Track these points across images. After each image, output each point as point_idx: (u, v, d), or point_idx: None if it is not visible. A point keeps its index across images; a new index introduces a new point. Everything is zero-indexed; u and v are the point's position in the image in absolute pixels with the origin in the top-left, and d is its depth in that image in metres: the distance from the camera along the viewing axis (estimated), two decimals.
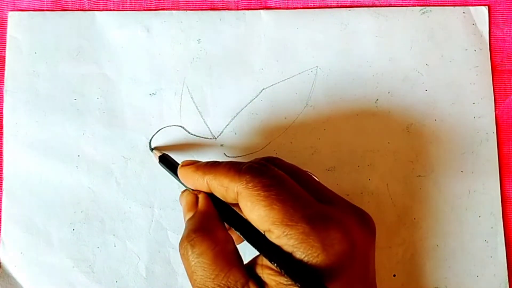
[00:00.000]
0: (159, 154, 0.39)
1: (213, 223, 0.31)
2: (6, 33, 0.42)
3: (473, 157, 0.42)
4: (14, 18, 0.42)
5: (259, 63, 0.42)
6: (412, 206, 0.41)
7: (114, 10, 0.42)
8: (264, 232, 0.29)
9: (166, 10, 0.43)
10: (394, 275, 0.41)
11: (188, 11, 0.42)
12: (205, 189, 0.32)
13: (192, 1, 0.43)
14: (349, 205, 0.31)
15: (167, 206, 0.41)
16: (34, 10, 0.42)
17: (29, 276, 0.40)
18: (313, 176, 0.34)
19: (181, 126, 0.42)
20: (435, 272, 0.41)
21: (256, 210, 0.29)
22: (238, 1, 0.43)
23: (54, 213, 0.41)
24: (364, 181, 0.41)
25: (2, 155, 0.41)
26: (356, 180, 0.41)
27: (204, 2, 0.43)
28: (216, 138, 0.42)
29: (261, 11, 0.42)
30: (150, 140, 0.41)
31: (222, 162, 0.32)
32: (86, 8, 0.42)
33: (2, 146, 0.41)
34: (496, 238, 0.41)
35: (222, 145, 0.41)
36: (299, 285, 0.27)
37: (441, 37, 0.42)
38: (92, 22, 0.42)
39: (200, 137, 0.42)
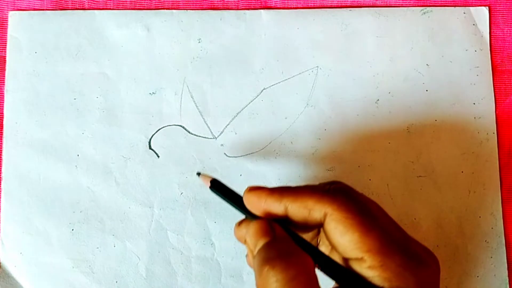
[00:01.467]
0: (209, 178, 0.35)
1: (297, 248, 0.29)
2: (6, 32, 0.42)
3: (473, 157, 0.42)
4: (14, 18, 0.42)
5: (259, 63, 0.42)
6: (412, 206, 0.41)
7: (114, 9, 0.42)
8: (351, 259, 0.28)
9: (166, 9, 0.42)
10: None
11: (188, 11, 0.42)
12: (280, 213, 0.30)
13: (192, 1, 0.43)
14: (418, 243, 0.30)
15: (167, 206, 0.41)
16: (34, 9, 0.42)
17: (29, 276, 0.40)
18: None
19: (181, 126, 0.42)
20: None
21: (350, 235, 0.27)
22: (238, 1, 0.43)
23: (53, 213, 0.41)
24: (364, 181, 0.41)
25: (1, 154, 0.41)
26: (357, 180, 0.41)
27: (204, 1, 0.43)
28: (216, 138, 0.41)
29: (262, 10, 0.42)
30: (150, 140, 0.41)
31: (297, 186, 0.31)
32: (86, 7, 0.42)
33: (1, 145, 0.41)
34: (496, 238, 0.41)
35: (222, 144, 0.41)
36: None
37: (441, 38, 0.42)
38: (92, 21, 0.42)
39: (200, 136, 0.41)
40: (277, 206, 0.30)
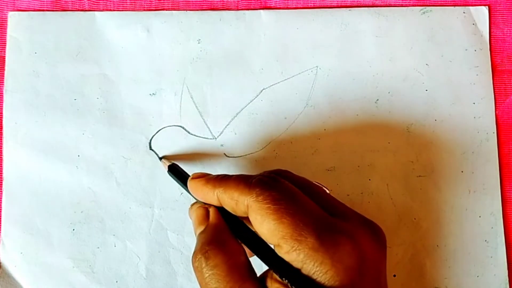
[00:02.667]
0: (168, 163, 0.39)
1: (225, 236, 0.31)
2: (6, 33, 0.42)
3: (473, 157, 0.42)
4: (14, 18, 0.42)
5: (259, 63, 0.42)
6: (412, 206, 0.41)
7: (114, 10, 0.42)
8: (273, 246, 0.29)
9: (166, 10, 0.42)
10: (394, 275, 0.41)
11: (188, 11, 0.42)
12: (215, 203, 0.32)
13: (192, 1, 0.43)
14: (360, 218, 0.31)
15: (167, 206, 0.41)
16: (34, 10, 0.42)
17: (29, 276, 0.40)
18: (325, 189, 0.33)
19: (181, 126, 0.42)
20: (435, 272, 0.41)
21: (266, 224, 0.28)
22: (238, 1, 0.43)
23: (54, 213, 0.41)
24: (364, 181, 0.41)
25: (2, 155, 0.41)
26: (356, 180, 0.41)
27: (204, 2, 0.43)
28: (216, 138, 0.42)
29: (261, 11, 0.42)
30: (150, 140, 0.41)
31: (233, 175, 0.32)
32: (86, 8, 0.42)
33: (2, 146, 0.41)
34: (496, 238, 0.41)
35: (222, 145, 0.41)
36: None
37: (441, 37, 0.42)
38: (92, 22, 0.42)
39: (200, 137, 0.42)
40: (211, 196, 0.32)
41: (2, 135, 0.41)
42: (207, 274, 0.29)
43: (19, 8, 0.42)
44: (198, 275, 0.30)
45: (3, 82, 0.41)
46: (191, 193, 0.34)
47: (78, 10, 0.42)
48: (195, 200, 0.35)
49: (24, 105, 0.41)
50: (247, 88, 0.42)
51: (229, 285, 0.28)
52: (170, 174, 0.38)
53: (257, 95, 0.42)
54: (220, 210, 0.32)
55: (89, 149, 0.41)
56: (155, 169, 0.41)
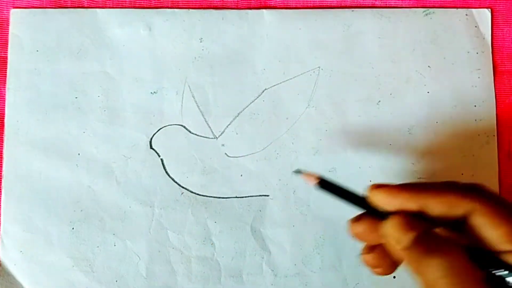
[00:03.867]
0: (315, 178, 0.34)
1: (445, 240, 0.29)
2: (7, 30, 0.42)
3: (473, 159, 0.42)
4: (16, 16, 0.42)
5: (261, 63, 0.42)
6: None
7: (113, 7, 0.42)
8: (501, 253, 0.28)
9: (168, 8, 0.42)
10: (394, 277, 0.41)
11: (190, 10, 0.42)
12: (414, 208, 0.30)
13: (192, 0, 0.42)
14: None
15: (167, 205, 0.41)
16: (34, 7, 0.42)
17: (29, 274, 0.40)
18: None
19: (182, 125, 0.42)
20: None
21: (501, 228, 0.28)
22: (238, 1, 0.43)
23: (53, 211, 0.41)
24: (365, 183, 0.41)
25: (2, 153, 0.41)
26: (357, 181, 0.41)
27: (204, 0, 0.43)
28: (217, 138, 0.41)
29: (264, 10, 0.42)
30: (151, 139, 0.41)
31: (427, 182, 0.32)
32: (85, 6, 0.42)
33: (2, 143, 0.41)
34: None
35: (223, 144, 0.41)
36: None
37: (443, 39, 0.42)
38: (94, 20, 0.42)
39: (201, 136, 0.41)
40: (412, 202, 0.30)
41: (3, 133, 0.41)
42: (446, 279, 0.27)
43: (19, 6, 0.42)
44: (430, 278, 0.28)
45: (4, 80, 0.41)
46: (379, 202, 0.32)
47: (77, 8, 0.42)
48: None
49: (26, 103, 0.41)
50: (249, 88, 0.42)
51: None
52: (319, 189, 0.33)
53: (259, 95, 0.42)
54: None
55: (89, 147, 0.41)
56: (156, 168, 0.41)
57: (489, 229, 0.28)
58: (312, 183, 0.34)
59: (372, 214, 0.32)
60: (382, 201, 0.32)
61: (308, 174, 0.34)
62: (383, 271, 0.33)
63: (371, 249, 0.33)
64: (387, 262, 0.32)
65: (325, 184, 0.33)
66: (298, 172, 0.35)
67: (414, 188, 0.31)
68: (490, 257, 0.29)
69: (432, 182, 0.31)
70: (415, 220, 0.30)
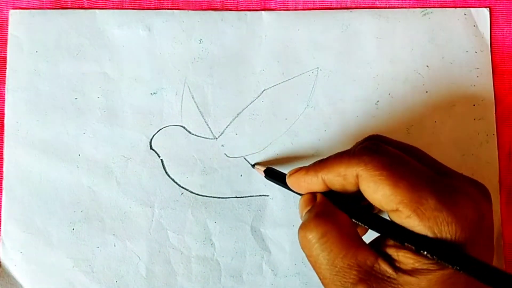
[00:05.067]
0: (263, 168, 0.39)
1: (332, 209, 0.31)
2: (7, 31, 0.42)
3: (473, 159, 0.42)
4: (15, 17, 0.42)
5: (260, 63, 0.42)
6: None
7: (113, 8, 0.42)
8: (389, 212, 0.29)
9: (167, 9, 0.42)
10: None
11: (189, 11, 0.42)
12: (320, 188, 0.32)
13: (192, 1, 0.43)
14: (466, 177, 0.31)
15: (167, 206, 0.41)
16: (33, 8, 0.42)
17: (29, 275, 0.40)
18: (423, 151, 0.33)
19: (182, 126, 0.42)
20: None
21: (381, 190, 0.28)
22: (237, 2, 0.43)
23: (54, 212, 0.41)
24: None
25: (2, 153, 0.41)
26: None
27: (204, 2, 0.43)
28: (217, 138, 0.42)
29: (263, 12, 0.42)
30: (151, 140, 0.41)
31: (328, 156, 0.32)
32: (85, 7, 0.42)
33: (2, 144, 0.41)
34: (495, 239, 0.41)
35: (222, 145, 0.41)
36: (446, 263, 0.26)
37: (442, 39, 0.43)
38: (93, 20, 0.42)
39: (201, 137, 0.42)
40: (315, 182, 0.32)
41: (3, 134, 0.41)
42: (317, 245, 0.29)
43: (18, 7, 0.42)
44: (307, 249, 0.30)
45: (4, 81, 0.41)
46: (293, 188, 0.34)
47: (77, 8, 0.42)
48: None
49: (25, 104, 0.41)
50: (248, 89, 0.42)
51: (342, 252, 0.28)
52: (268, 178, 0.39)
53: (258, 96, 0.42)
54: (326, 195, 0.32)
55: (89, 148, 0.41)
56: (156, 169, 0.41)
57: (372, 193, 0.29)
58: (261, 174, 0.39)
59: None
60: (295, 186, 0.34)
61: (259, 167, 0.40)
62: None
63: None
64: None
65: (271, 173, 0.38)
66: (252, 166, 0.41)
67: (313, 168, 0.32)
68: (376, 218, 0.30)
69: (328, 157, 0.32)
70: (310, 199, 0.32)
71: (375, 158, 0.29)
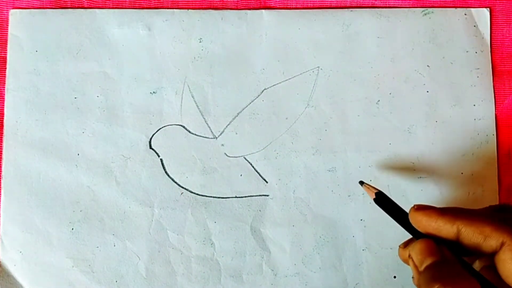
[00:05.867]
0: (374, 191, 0.36)
1: (460, 271, 0.29)
2: (7, 31, 0.42)
3: (473, 159, 0.42)
4: (15, 16, 0.42)
5: (260, 63, 0.42)
6: None
7: (113, 8, 0.42)
8: None
9: (167, 8, 0.42)
10: (394, 277, 0.41)
11: (189, 10, 0.42)
12: (450, 237, 0.31)
13: (192, 0, 0.42)
14: None
15: (167, 205, 0.41)
16: (34, 8, 0.42)
17: (29, 275, 0.40)
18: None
19: (181, 125, 0.42)
20: None
21: None
22: (237, 1, 0.43)
23: (53, 212, 0.40)
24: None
25: (1, 153, 0.41)
26: (357, 181, 0.41)
27: (204, 1, 0.43)
28: (217, 138, 0.41)
29: (263, 10, 0.42)
30: (151, 139, 0.41)
31: (468, 209, 0.31)
32: (85, 6, 0.42)
33: (2, 144, 0.41)
34: None
35: (222, 144, 0.41)
36: None
37: (442, 39, 0.43)
38: (93, 20, 0.42)
39: (200, 136, 0.41)
40: (448, 228, 0.30)
41: (2, 133, 0.41)
42: None
43: (19, 6, 0.42)
44: None
45: (4, 81, 0.41)
46: (417, 224, 0.32)
47: (77, 8, 0.42)
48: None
49: (25, 103, 0.41)
50: (249, 88, 0.42)
51: None
52: (376, 203, 0.36)
53: (258, 95, 0.42)
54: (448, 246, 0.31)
55: (89, 147, 0.41)
56: (155, 169, 0.41)
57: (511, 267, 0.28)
58: (371, 196, 0.36)
59: (414, 235, 0.33)
60: (419, 223, 0.32)
61: (369, 187, 0.37)
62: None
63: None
64: None
65: (382, 200, 0.35)
66: (361, 183, 0.38)
67: (452, 214, 0.31)
68: None
69: (469, 209, 0.31)
70: (437, 248, 0.30)
71: None
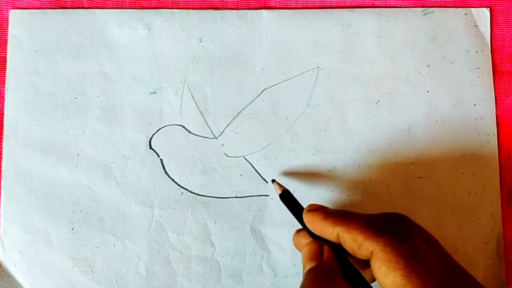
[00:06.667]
0: (280, 189, 0.38)
1: (337, 279, 0.31)
2: (7, 31, 0.42)
3: (473, 158, 0.42)
4: (15, 16, 0.42)
5: (260, 63, 0.42)
6: (412, 208, 0.41)
7: (113, 8, 0.42)
8: None
9: (167, 8, 0.42)
10: None
11: (189, 10, 0.42)
12: (332, 239, 0.32)
13: (192, 0, 0.42)
14: (476, 284, 0.30)
15: (167, 206, 0.41)
16: (34, 8, 0.42)
17: (29, 275, 0.40)
18: (442, 246, 0.33)
19: (181, 126, 0.41)
20: None
21: (392, 277, 0.28)
22: (238, 1, 0.43)
23: (53, 212, 0.40)
24: (365, 182, 0.41)
25: (1, 153, 0.41)
26: (357, 181, 0.41)
27: (204, 1, 0.43)
28: (216, 138, 0.41)
29: (263, 10, 0.42)
30: (151, 139, 0.41)
31: (354, 213, 0.32)
32: (85, 6, 0.42)
33: (2, 144, 0.41)
34: (495, 240, 0.41)
35: (222, 144, 0.41)
36: None
37: (442, 39, 0.42)
38: (93, 20, 0.42)
39: (200, 136, 0.41)
40: (330, 232, 0.32)
41: (2, 133, 0.41)
42: None
43: (19, 6, 0.42)
44: None
45: (4, 81, 0.41)
46: (307, 225, 0.34)
47: (78, 8, 0.42)
48: (300, 227, 0.35)
49: (25, 103, 0.41)
50: (248, 88, 0.42)
51: None
52: (282, 201, 0.38)
53: (258, 95, 0.42)
54: (334, 247, 0.32)
55: (89, 148, 0.41)
56: (155, 169, 0.41)
57: (382, 275, 0.29)
58: (277, 192, 0.39)
59: (310, 234, 0.35)
60: (309, 224, 0.34)
61: (278, 184, 0.39)
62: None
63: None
64: None
65: (286, 197, 0.38)
66: (272, 181, 0.40)
67: (333, 219, 0.32)
68: None
69: (352, 214, 0.32)
70: (318, 253, 0.32)
71: (396, 244, 0.29)
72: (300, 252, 0.35)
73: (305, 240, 0.35)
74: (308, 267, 0.32)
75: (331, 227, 0.32)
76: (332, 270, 0.31)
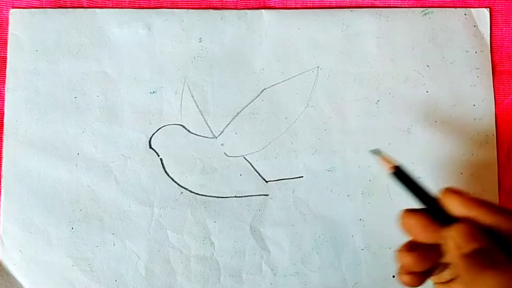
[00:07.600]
0: (390, 165, 0.32)
1: (508, 262, 0.28)
2: (7, 30, 0.42)
3: (472, 159, 0.42)
4: (15, 16, 0.42)
5: (260, 63, 0.42)
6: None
7: (113, 8, 0.42)
8: None
9: (167, 8, 0.42)
10: (393, 276, 0.41)
11: (189, 10, 0.42)
12: (486, 222, 0.29)
13: (192, 0, 0.42)
14: None
15: (167, 205, 0.41)
16: (33, 7, 0.42)
17: (28, 274, 0.40)
18: None
19: (181, 125, 0.42)
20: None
21: None
22: (237, 1, 0.43)
23: (53, 211, 0.41)
24: (364, 182, 0.41)
25: (1, 152, 0.41)
26: (357, 180, 0.41)
27: (203, 1, 0.43)
28: (216, 138, 0.41)
29: (263, 10, 0.42)
30: (150, 139, 0.41)
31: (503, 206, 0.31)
32: (85, 6, 0.42)
33: (2, 143, 0.41)
34: None
35: (222, 144, 0.41)
36: None
37: (442, 39, 0.43)
38: (93, 19, 0.42)
39: (200, 136, 0.41)
40: (487, 217, 0.29)
41: (2, 133, 0.41)
42: None
43: (19, 6, 0.42)
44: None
45: (4, 80, 0.41)
46: (450, 205, 0.30)
47: (77, 8, 0.42)
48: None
49: (25, 103, 0.41)
50: (248, 88, 0.42)
51: None
52: (393, 178, 0.32)
53: (258, 95, 0.42)
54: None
55: (88, 147, 0.41)
56: (155, 168, 0.41)
57: None
58: (387, 169, 0.32)
59: (435, 215, 0.31)
60: (457, 207, 0.30)
61: (386, 159, 0.32)
62: (410, 280, 0.32)
63: (410, 249, 0.31)
64: (419, 268, 0.31)
65: (400, 174, 0.31)
66: (376, 152, 0.33)
67: (491, 206, 0.30)
68: None
69: (508, 209, 0.30)
70: (481, 233, 0.29)
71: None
72: (410, 234, 0.31)
73: (424, 220, 0.31)
74: (473, 246, 0.28)
75: (490, 213, 0.29)
76: (500, 252, 0.29)
